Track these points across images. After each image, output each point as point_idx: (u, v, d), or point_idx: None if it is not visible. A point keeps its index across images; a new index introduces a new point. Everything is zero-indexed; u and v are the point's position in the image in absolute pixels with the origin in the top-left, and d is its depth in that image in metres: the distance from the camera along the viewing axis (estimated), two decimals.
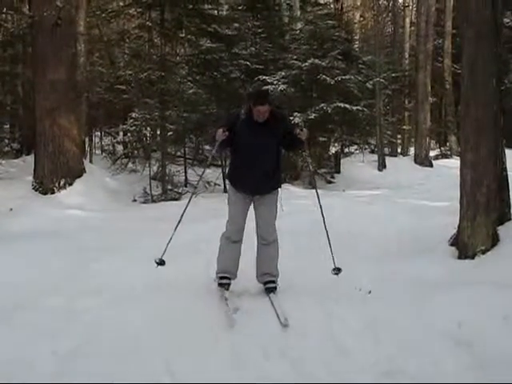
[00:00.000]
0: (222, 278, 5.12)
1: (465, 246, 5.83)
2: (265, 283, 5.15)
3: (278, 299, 4.85)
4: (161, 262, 5.09)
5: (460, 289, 4.69)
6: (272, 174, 5.05)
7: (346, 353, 3.79)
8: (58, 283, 5.42)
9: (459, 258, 5.84)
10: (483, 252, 5.73)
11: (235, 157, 5.16)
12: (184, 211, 5.17)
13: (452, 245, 6.09)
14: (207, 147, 17.83)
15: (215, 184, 14.40)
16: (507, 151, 6.43)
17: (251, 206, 5.14)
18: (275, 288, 5.10)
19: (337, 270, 5.15)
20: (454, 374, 3.43)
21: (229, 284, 5.10)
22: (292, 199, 12.11)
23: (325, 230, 5.13)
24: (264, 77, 15.57)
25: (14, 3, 15.49)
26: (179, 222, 5.16)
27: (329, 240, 5.14)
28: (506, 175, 6.18)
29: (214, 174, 14.59)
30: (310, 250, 6.53)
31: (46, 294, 5.03)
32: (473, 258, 5.73)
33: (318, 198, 5.28)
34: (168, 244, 5.09)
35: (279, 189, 5.17)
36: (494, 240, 5.82)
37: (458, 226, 6.00)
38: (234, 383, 3.41)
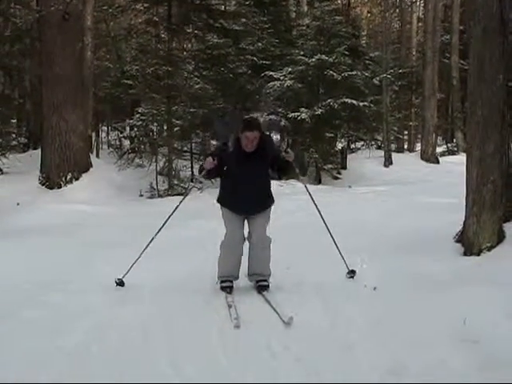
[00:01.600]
0: (223, 281, 5.11)
1: (470, 242, 5.82)
2: (257, 281, 5.13)
3: (274, 298, 4.82)
4: (120, 283, 5.13)
5: (465, 286, 4.69)
6: (262, 197, 5.08)
7: (351, 350, 3.78)
8: (63, 279, 5.44)
9: (465, 254, 5.83)
10: (489, 249, 5.72)
11: (225, 184, 5.18)
12: (171, 215, 5.27)
13: (458, 241, 6.08)
14: (213, 142, 17.87)
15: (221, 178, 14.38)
16: None
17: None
18: (267, 286, 5.08)
19: (351, 273, 5.21)
20: (460, 372, 3.42)
21: (231, 287, 5.07)
22: (297, 194, 12.13)
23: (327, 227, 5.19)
24: (271, 72, 15.58)
25: None
26: (160, 228, 5.27)
27: (335, 243, 5.21)
28: None
29: None
30: (314, 246, 6.53)
31: (52, 290, 5.05)
32: (478, 254, 5.72)
33: (313, 199, 5.34)
34: (134, 263, 5.19)
35: (271, 206, 5.17)
36: (500, 237, 5.80)
37: (464, 223, 5.99)
38: (240, 383, 3.40)
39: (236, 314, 4.43)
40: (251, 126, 4.84)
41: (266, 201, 5.12)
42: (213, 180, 14.02)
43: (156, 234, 5.24)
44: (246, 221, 5.12)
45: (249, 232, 5.11)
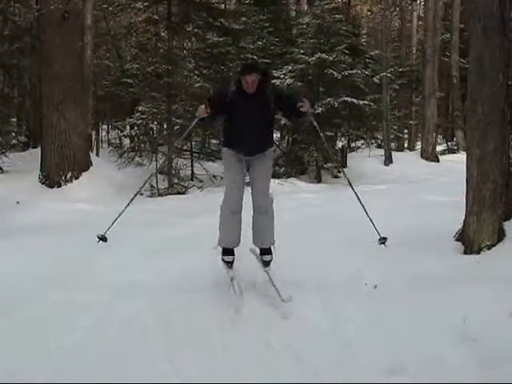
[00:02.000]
0: (224, 252, 5.12)
1: (470, 241, 5.83)
2: (261, 253, 5.17)
3: (275, 276, 4.93)
4: (102, 238, 5.15)
5: (465, 284, 4.68)
6: (265, 137, 5.12)
7: (350, 347, 3.79)
8: (62, 278, 5.42)
9: (465, 253, 5.83)
10: (489, 247, 5.73)
11: (229, 125, 5.18)
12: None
13: (458, 240, 6.08)
14: (213, 141, 17.90)
15: (221, 178, 14.41)
16: None
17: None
18: (270, 261, 5.14)
19: (383, 240, 5.05)
20: (459, 370, 3.43)
21: (232, 262, 5.11)
22: (298, 193, 12.15)
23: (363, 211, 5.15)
24: (271, 71, 15.56)
25: None
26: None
27: (366, 212, 5.11)
28: None
29: (220, 168, 14.61)
30: (315, 243, 6.53)
31: (51, 288, 5.04)
32: (478, 253, 5.72)
33: (353, 189, 5.27)
34: (113, 223, 5.21)
35: (272, 148, 5.24)
36: (500, 235, 5.80)
37: (464, 221, 5.99)
38: (239, 383, 3.40)
39: (239, 290, 4.57)
40: (250, 68, 4.90)
41: (268, 140, 5.18)
42: (213, 179, 14.18)
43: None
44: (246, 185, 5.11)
45: (251, 191, 5.10)
